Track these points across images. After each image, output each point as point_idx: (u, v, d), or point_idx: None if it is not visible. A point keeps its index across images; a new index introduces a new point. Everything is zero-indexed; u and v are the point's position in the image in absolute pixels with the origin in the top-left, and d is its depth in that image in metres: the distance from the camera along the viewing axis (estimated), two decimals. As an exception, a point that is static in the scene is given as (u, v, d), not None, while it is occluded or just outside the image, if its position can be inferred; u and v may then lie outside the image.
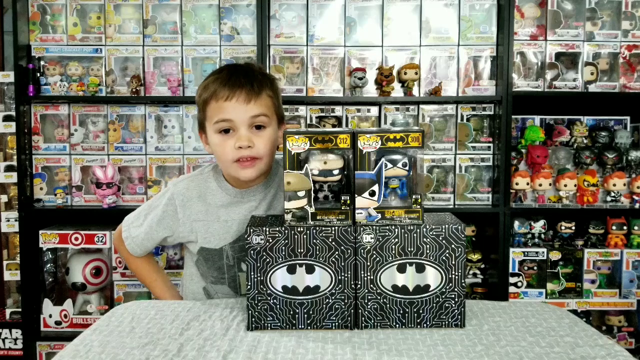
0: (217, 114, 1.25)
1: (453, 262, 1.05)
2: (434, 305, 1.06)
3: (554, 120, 2.43)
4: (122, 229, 1.44)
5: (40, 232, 2.24)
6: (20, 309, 2.33)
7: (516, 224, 2.30)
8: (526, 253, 2.28)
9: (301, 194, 1.05)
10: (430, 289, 1.06)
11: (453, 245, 1.05)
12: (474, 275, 2.35)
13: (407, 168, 1.06)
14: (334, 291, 1.06)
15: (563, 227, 2.35)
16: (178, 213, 1.34)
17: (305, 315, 1.07)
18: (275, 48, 2.28)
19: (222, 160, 1.29)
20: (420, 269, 1.06)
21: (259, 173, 1.29)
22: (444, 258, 1.05)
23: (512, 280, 2.27)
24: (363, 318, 1.07)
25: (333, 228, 1.05)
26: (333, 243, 1.05)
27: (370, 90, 2.31)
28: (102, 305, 2.29)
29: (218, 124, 1.25)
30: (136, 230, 1.40)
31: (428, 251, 1.05)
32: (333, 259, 1.05)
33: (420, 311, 1.06)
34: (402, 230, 1.04)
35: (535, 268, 2.34)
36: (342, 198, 1.06)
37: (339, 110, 2.31)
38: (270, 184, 1.37)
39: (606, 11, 2.31)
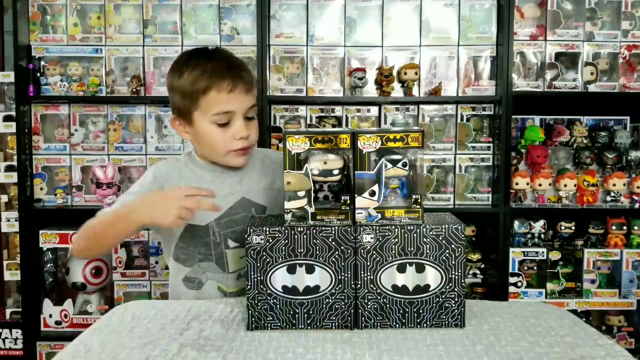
0: (218, 106, 1.23)
1: (453, 262, 1.05)
2: (434, 305, 1.06)
3: (554, 120, 2.43)
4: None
5: (41, 232, 2.24)
6: (20, 309, 2.33)
7: (516, 224, 2.30)
8: (526, 253, 2.28)
9: (301, 194, 1.05)
10: (430, 289, 1.06)
11: (453, 245, 1.05)
12: (474, 275, 2.35)
13: (407, 168, 1.06)
14: (334, 291, 1.06)
15: (563, 227, 2.35)
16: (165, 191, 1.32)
17: (305, 315, 1.07)
18: (275, 48, 2.28)
19: (216, 150, 1.29)
20: (420, 269, 1.06)
21: (248, 159, 1.35)
22: (444, 258, 1.05)
23: (512, 280, 2.28)
24: (363, 318, 1.07)
25: (333, 228, 1.05)
26: (333, 243, 1.05)
27: (370, 90, 2.31)
28: (102, 305, 2.29)
29: (218, 116, 1.24)
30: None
31: (428, 251, 1.05)
32: (333, 259, 1.05)
33: (420, 311, 1.07)
34: (402, 230, 1.05)
35: (535, 268, 2.34)
36: (342, 198, 1.06)
37: (339, 110, 2.31)
38: (248, 163, 1.37)
39: (606, 11, 2.31)
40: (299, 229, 1.05)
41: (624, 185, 2.30)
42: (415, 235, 1.05)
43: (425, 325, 1.07)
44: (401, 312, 1.06)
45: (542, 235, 2.33)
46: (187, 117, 1.29)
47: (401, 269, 1.06)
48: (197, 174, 1.34)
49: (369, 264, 1.05)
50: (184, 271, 1.36)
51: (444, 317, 1.07)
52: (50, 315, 2.26)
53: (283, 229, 1.05)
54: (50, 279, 2.38)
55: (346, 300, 1.06)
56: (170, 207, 1.12)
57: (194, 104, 1.26)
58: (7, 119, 2.36)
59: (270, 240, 1.05)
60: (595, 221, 2.33)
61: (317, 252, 1.05)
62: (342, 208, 1.06)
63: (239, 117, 1.25)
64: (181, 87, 1.27)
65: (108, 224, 1.24)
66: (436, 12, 2.29)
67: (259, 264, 1.06)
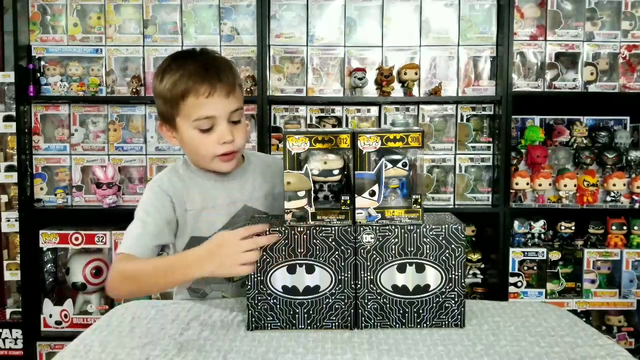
0: (198, 111, 1.21)
1: (453, 262, 1.05)
2: (434, 305, 1.06)
3: (554, 120, 2.43)
4: (118, 256, 1.19)
5: (41, 232, 2.24)
6: (20, 309, 2.34)
7: (516, 224, 2.30)
8: (526, 253, 2.28)
9: (301, 194, 1.05)
10: (430, 289, 1.06)
11: (453, 245, 1.05)
12: (474, 275, 2.35)
13: (407, 168, 1.06)
14: (334, 291, 1.06)
15: (563, 227, 2.35)
16: (174, 203, 1.29)
17: (305, 315, 1.07)
18: (275, 48, 2.28)
19: (201, 155, 1.27)
20: (420, 269, 1.06)
21: (237, 164, 1.32)
22: (444, 258, 1.05)
23: (512, 280, 2.28)
24: (363, 318, 1.07)
25: (333, 228, 1.05)
26: (333, 243, 1.05)
27: (370, 90, 2.31)
28: (102, 305, 2.29)
29: (199, 122, 1.22)
30: (139, 239, 1.21)
31: (428, 251, 1.05)
32: (333, 259, 1.05)
33: (420, 311, 1.07)
34: (402, 230, 1.05)
35: (535, 268, 2.34)
36: (342, 198, 1.06)
37: (339, 111, 2.31)
38: (247, 169, 1.37)
39: (606, 11, 2.31)
40: (299, 229, 1.05)
41: (624, 185, 2.30)
42: (415, 235, 1.05)
43: (425, 325, 1.07)
44: (401, 312, 1.07)
45: (542, 235, 2.33)
46: (172, 123, 1.27)
47: (401, 269, 1.06)
48: (197, 182, 1.33)
49: (369, 264, 1.05)
50: (187, 283, 1.36)
51: (444, 317, 1.07)
52: (50, 315, 2.26)
53: (283, 229, 1.05)
54: (50, 279, 2.38)
55: (346, 300, 1.06)
56: (231, 256, 1.02)
57: (175, 110, 1.23)
58: (7, 119, 2.36)
59: (271, 240, 1.05)
60: (595, 221, 2.33)
61: (317, 252, 1.05)
62: (342, 208, 1.06)
63: (221, 121, 1.22)
64: (161, 92, 1.24)
65: (156, 275, 1.12)
66: (436, 12, 2.29)
67: (259, 264, 1.06)
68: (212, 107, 1.21)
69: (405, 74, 2.24)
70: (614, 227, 2.31)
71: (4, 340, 2.39)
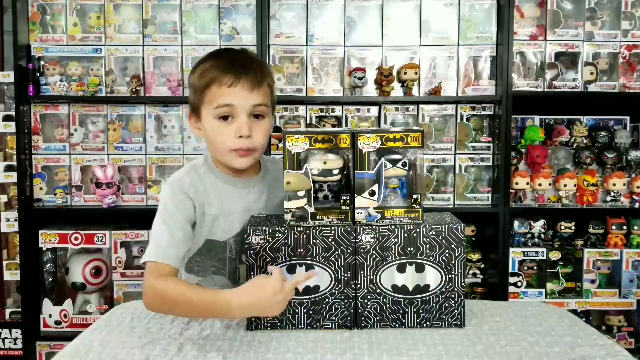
0: (219, 99, 1.24)
1: (453, 262, 1.05)
2: (434, 305, 1.06)
3: (554, 120, 2.43)
4: (150, 265, 1.18)
5: (40, 232, 2.24)
6: (20, 309, 2.33)
7: (516, 224, 2.30)
8: (526, 253, 2.28)
9: (301, 194, 1.05)
10: (430, 289, 1.06)
11: (453, 245, 1.05)
12: (474, 275, 2.35)
13: (407, 168, 1.06)
14: (334, 291, 1.06)
15: (563, 227, 2.34)
16: (195, 206, 1.29)
17: (305, 315, 1.07)
18: (275, 48, 2.28)
19: (218, 146, 1.28)
20: (420, 269, 1.06)
21: (254, 162, 1.32)
22: (444, 258, 1.05)
23: (512, 280, 2.27)
24: (363, 318, 1.07)
25: (333, 228, 1.05)
26: (333, 243, 1.05)
27: (370, 90, 2.31)
28: (102, 305, 2.29)
29: (219, 109, 1.24)
30: (171, 247, 1.20)
31: (428, 251, 1.05)
32: (333, 259, 1.05)
33: (420, 311, 1.07)
34: (402, 230, 1.05)
35: (535, 268, 2.34)
36: (342, 198, 1.06)
37: (339, 110, 2.31)
38: (265, 177, 1.38)
39: (606, 11, 2.31)
40: (299, 229, 1.05)
41: (624, 185, 2.30)
42: (415, 235, 1.05)
43: (425, 325, 1.07)
44: (401, 312, 1.06)
45: (542, 236, 2.33)
46: (198, 112, 1.30)
47: (401, 269, 1.06)
48: (217, 187, 1.32)
49: (369, 264, 1.05)
50: (196, 280, 1.36)
51: (444, 317, 1.07)
52: (50, 315, 2.26)
53: (283, 229, 1.05)
54: (50, 279, 2.38)
55: (346, 300, 1.06)
56: (277, 304, 1.02)
57: (201, 98, 1.27)
58: (7, 119, 2.36)
59: (270, 240, 1.06)
60: (596, 221, 2.33)
61: (317, 252, 1.05)
62: (342, 208, 1.06)
63: (241, 113, 1.24)
64: (193, 82, 1.30)
65: (200, 308, 1.11)
66: (436, 12, 2.28)
67: (259, 264, 1.06)
68: (233, 97, 1.23)
69: (405, 74, 2.24)
70: (614, 227, 2.31)
71: (3, 340, 2.39)
